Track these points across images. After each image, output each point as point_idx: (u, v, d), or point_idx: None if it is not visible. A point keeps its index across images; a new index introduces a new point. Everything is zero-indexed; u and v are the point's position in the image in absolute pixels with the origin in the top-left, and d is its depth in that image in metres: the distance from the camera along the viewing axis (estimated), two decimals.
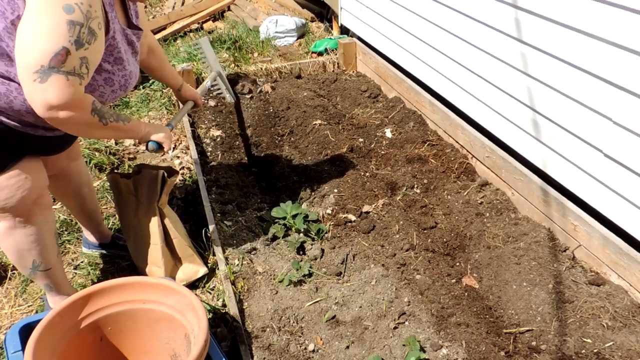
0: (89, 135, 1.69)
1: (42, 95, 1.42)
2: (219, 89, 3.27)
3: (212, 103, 3.61)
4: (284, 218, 2.45)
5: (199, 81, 3.85)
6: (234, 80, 3.89)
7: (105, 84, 1.67)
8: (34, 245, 1.86)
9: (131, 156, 3.29)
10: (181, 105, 2.38)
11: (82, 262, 2.47)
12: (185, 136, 3.33)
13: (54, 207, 2.69)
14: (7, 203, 1.73)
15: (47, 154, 1.89)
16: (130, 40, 1.76)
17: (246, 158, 3.11)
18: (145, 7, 6.28)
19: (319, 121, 3.32)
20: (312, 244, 2.38)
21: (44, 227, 1.86)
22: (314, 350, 1.91)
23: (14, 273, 2.39)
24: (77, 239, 2.58)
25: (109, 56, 1.64)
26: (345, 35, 4.50)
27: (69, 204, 2.32)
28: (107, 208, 2.81)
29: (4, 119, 1.63)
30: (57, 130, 1.75)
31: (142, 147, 3.40)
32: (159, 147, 1.89)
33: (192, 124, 3.38)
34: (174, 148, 3.32)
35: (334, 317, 2.03)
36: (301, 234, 2.41)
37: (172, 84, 2.31)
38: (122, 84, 1.73)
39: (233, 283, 2.16)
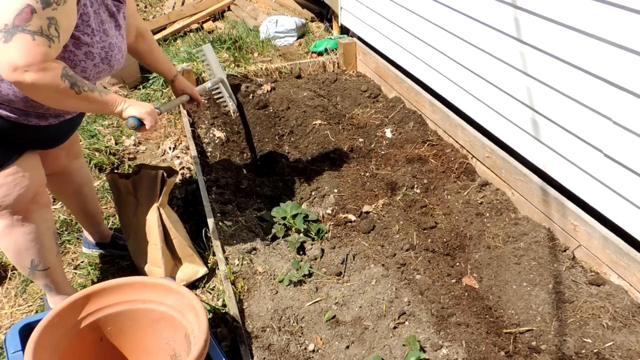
0: (60, 105, 1.57)
1: (7, 55, 1.36)
2: (221, 96, 3.26)
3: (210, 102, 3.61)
4: (284, 218, 2.45)
5: (199, 81, 3.86)
6: (234, 79, 3.89)
7: (86, 59, 1.61)
8: (33, 244, 1.85)
9: (131, 156, 3.29)
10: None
11: (82, 262, 2.47)
12: (185, 136, 3.33)
13: (54, 207, 2.69)
14: (4, 201, 1.72)
15: (45, 148, 1.88)
16: (112, 11, 1.72)
17: (246, 158, 3.10)
18: None
19: (319, 121, 3.32)
20: (312, 244, 2.38)
21: (42, 225, 1.85)
22: (314, 350, 1.91)
23: (14, 273, 2.39)
24: (77, 239, 2.58)
25: (86, 27, 1.59)
26: (345, 35, 4.50)
27: (69, 203, 2.31)
28: (107, 208, 2.81)
29: None
30: (52, 118, 1.73)
31: (142, 148, 3.40)
32: (140, 124, 1.73)
33: (192, 124, 3.38)
34: (173, 148, 3.32)
35: (334, 317, 2.03)
36: (301, 234, 2.41)
37: (165, 73, 2.21)
38: (104, 57, 1.66)
39: (233, 283, 2.16)
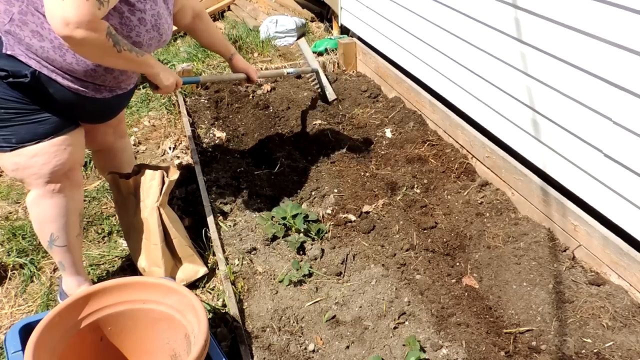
0: (102, 61, 1.68)
1: (61, 10, 1.44)
2: (318, 85, 3.61)
3: (206, 101, 3.61)
4: (284, 218, 2.45)
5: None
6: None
7: (139, 24, 1.72)
8: (57, 218, 1.92)
9: (133, 152, 3.28)
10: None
11: (82, 262, 2.47)
12: (185, 136, 3.33)
13: None
14: (41, 169, 1.81)
15: (96, 121, 2.03)
16: None
17: (246, 158, 3.10)
18: None
19: (319, 121, 3.32)
20: (312, 244, 2.38)
21: (70, 203, 1.94)
22: (314, 350, 1.91)
23: (14, 273, 2.40)
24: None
25: None
26: (345, 35, 4.50)
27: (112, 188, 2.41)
28: (107, 208, 2.81)
29: (59, 79, 1.72)
30: (106, 92, 1.86)
31: (142, 147, 3.40)
32: (157, 88, 1.98)
33: (192, 124, 3.38)
34: (173, 148, 3.32)
35: (334, 317, 2.03)
36: (301, 234, 2.41)
37: (222, 52, 2.41)
38: (154, 24, 1.77)
39: (233, 283, 2.16)
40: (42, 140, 1.77)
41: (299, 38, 4.92)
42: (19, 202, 2.85)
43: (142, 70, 1.84)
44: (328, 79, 3.69)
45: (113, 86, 1.88)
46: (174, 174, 2.15)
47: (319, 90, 3.64)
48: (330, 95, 3.57)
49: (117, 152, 2.33)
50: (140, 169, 2.17)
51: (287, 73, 2.84)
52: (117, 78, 1.86)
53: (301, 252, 2.36)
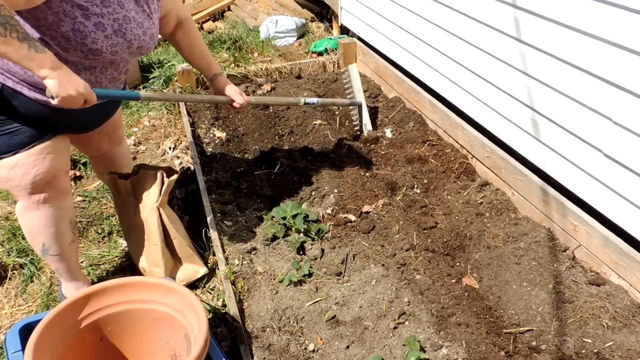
0: None
1: None
2: (357, 118, 3.26)
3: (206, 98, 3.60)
4: (284, 218, 2.45)
5: (199, 81, 3.85)
6: (234, 79, 3.89)
7: (96, 29, 1.60)
8: (46, 228, 1.89)
9: (131, 156, 3.28)
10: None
11: (82, 262, 2.47)
12: (185, 136, 3.33)
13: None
14: (21, 180, 1.76)
15: (77, 132, 1.94)
16: None
17: (246, 158, 3.10)
18: None
19: (319, 121, 3.32)
20: (312, 244, 2.38)
21: (58, 212, 1.89)
22: (314, 350, 1.91)
23: (14, 273, 2.40)
24: (78, 238, 2.58)
25: None
26: (345, 35, 4.50)
27: (110, 189, 2.36)
28: (107, 208, 2.81)
29: (25, 91, 1.66)
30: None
31: (142, 148, 3.40)
32: (52, 97, 1.57)
33: (192, 124, 3.38)
34: (173, 148, 3.32)
35: (334, 317, 2.03)
36: (301, 234, 2.41)
37: (204, 69, 2.13)
38: (117, 29, 1.64)
39: (233, 283, 2.16)
40: (20, 151, 1.72)
41: (299, 38, 4.92)
42: None
43: (31, 68, 1.49)
44: (368, 110, 3.31)
45: None
46: (174, 174, 2.15)
47: (357, 123, 3.28)
48: (367, 126, 3.22)
49: (115, 158, 2.28)
50: (139, 169, 2.17)
51: (305, 103, 2.31)
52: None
53: (301, 252, 2.36)
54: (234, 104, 2.18)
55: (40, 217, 1.86)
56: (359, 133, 3.25)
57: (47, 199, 1.84)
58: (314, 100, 2.36)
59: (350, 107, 3.35)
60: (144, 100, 1.86)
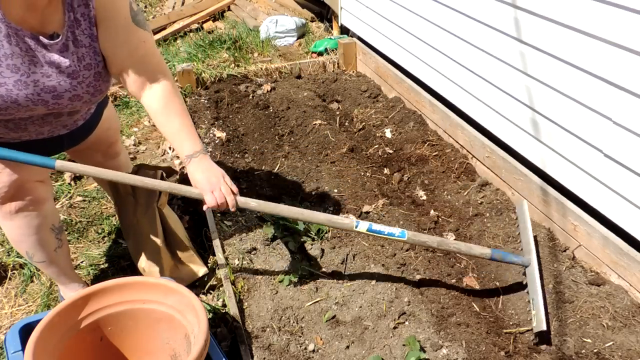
0: None
1: None
2: (532, 307, 1.93)
3: (206, 101, 3.60)
4: (284, 218, 2.45)
5: (199, 81, 3.85)
6: (234, 79, 3.89)
7: None
8: (25, 237, 1.86)
9: (131, 156, 3.28)
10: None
11: (82, 262, 2.47)
12: None
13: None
14: None
15: (48, 154, 1.83)
16: (28, 46, 1.43)
17: (246, 158, 3.10)
18: (145, 7, 6.27)
19: (319, 121, 3.32)
20: (312, 244, 2.38)
21: (36, 220, 1.84)
22: (314, 350, 1.91)
23: (14, 273, 2.40)
24: (77, 238, 2.59)
25: None
26: (345, 35, 4.50)
27: (107, 190, 2.38)
28: (107, 208, 2.81)
29: None
30: (27, 135, 1.67)
31: (142, 148, 3.40)
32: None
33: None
34: (173, 148, 3.31)
35: (334, 317, 2.03)
36: (301, 234, 2.41)
37: (176, 147, 1.69)
38: (13, 97, 1.44)
39: (233, 283, 2.17)
40: None
41: (299, 38, 4.92)
42: None
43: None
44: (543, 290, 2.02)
45: (15, 138, 1.66)
46: (174, 175, 2.15)
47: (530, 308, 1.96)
48: (538, 323, 1.86)
49: (112, 169, 2.13)
50: (139, 169, 2.17)
51: (370, 230, 1.62)
52: (12, 130, 1.60)
53: (301, 252, 2.36)
54: (203, 207, 1.70)
55: (16, 227, 1.82)
56: (531, 327, 1.92)
57: (20, 208, 1.78)
58: (387, 230, 1.40)
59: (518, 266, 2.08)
60: (60, 170, 1.69)
